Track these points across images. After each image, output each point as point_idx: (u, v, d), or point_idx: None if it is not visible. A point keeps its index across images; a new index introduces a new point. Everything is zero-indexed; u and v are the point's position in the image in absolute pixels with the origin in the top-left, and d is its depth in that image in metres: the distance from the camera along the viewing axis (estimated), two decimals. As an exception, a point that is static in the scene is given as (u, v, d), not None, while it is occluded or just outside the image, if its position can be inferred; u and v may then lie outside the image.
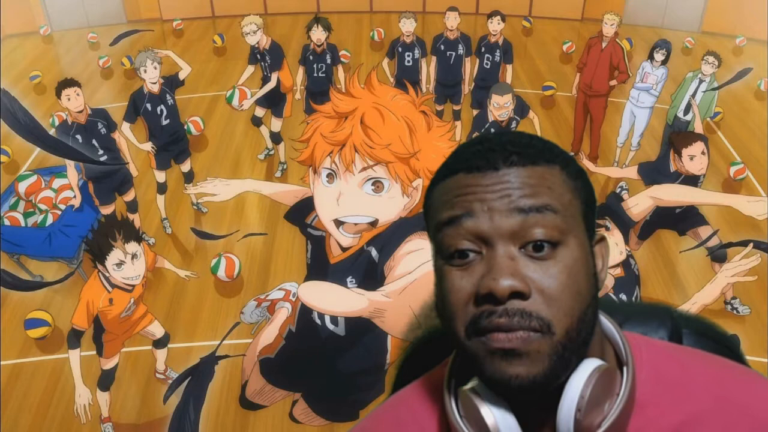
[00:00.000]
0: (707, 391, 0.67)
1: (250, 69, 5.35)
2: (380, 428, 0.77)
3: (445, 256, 0.65)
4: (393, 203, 2.13)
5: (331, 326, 2.35)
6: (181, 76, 4.71)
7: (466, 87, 5.70)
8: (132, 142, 4.50)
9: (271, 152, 5.96)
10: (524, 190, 0.62)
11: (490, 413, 0.64)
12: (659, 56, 5.20)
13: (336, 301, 2.04)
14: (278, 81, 5.25)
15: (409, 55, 5.54)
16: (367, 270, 2.16)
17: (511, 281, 0.59)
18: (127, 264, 2.88)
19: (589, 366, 0.63)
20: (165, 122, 4.58)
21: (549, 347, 0.60)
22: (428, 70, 5.66)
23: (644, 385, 0.66)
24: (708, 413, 0.65)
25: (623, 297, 2.67)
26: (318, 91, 5.22)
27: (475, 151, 0.66)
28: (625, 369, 0.67)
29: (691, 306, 2.38)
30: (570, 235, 0.63)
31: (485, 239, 0.62)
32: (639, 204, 2.91)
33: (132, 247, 2.88)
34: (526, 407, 0.64)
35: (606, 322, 0.70)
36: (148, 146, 4.61)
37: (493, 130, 4.44)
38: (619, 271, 2.73)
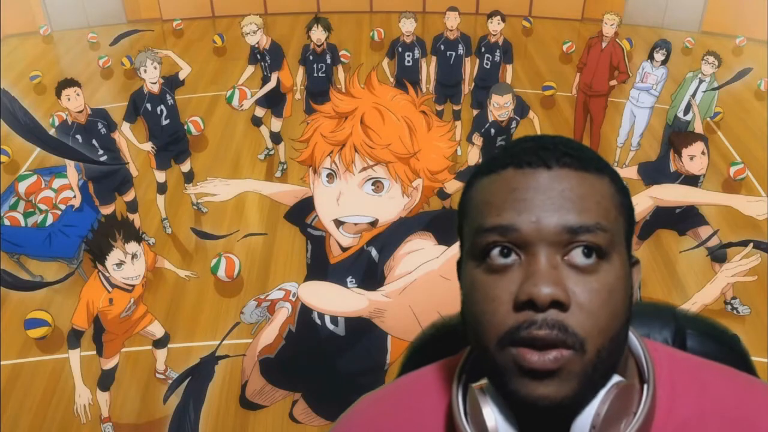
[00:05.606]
0: (723, 414, 0.65)
1: (250, 69, 5.35)
2: (377, 417, 0.75)
3: (479, 257, 0.62)
4: (393, 203, 2.12)
5: (331, 326, 2.35)
6: (181, 76, 4.72)
7: (466, 87, 5.70)
8: (132, 142, 4.50)
9: (271, 152, 5.96)
10: (575, 203, 0.60)
11: (492, 416, 0.63)
12: (659, 56, 5.20)
13: (336, 301, 2.03)
14: (278, 81, 5.25)
15: (409, 55, 5.55)
16: (367, 270, 2.15)
17: (552, 289, 0.57)
18: (127, 264, 2.88)
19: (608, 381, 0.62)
20: (165, 122, 4.58)
21: (579, 366, 0.58)
22: (428, 70, 5.66)
23: (661, 401, 0.65)
24: None
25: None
26: (318, 91, 5.22)
27: (527, 148, 0.63)
28: (645, 387, 0.65)
29: (691, 306, 2.38)
30: (614, 252, 0.61)
31: (527, 245, 0.59)
32: (639, 204, 2.91)
33: (132, 247, 2.88)
34: (535, 418, 0.62)
35: (630, 334, 0.68)
36: (148, 146, 4.61)
37: (493, 130, 4.44)
38: None
